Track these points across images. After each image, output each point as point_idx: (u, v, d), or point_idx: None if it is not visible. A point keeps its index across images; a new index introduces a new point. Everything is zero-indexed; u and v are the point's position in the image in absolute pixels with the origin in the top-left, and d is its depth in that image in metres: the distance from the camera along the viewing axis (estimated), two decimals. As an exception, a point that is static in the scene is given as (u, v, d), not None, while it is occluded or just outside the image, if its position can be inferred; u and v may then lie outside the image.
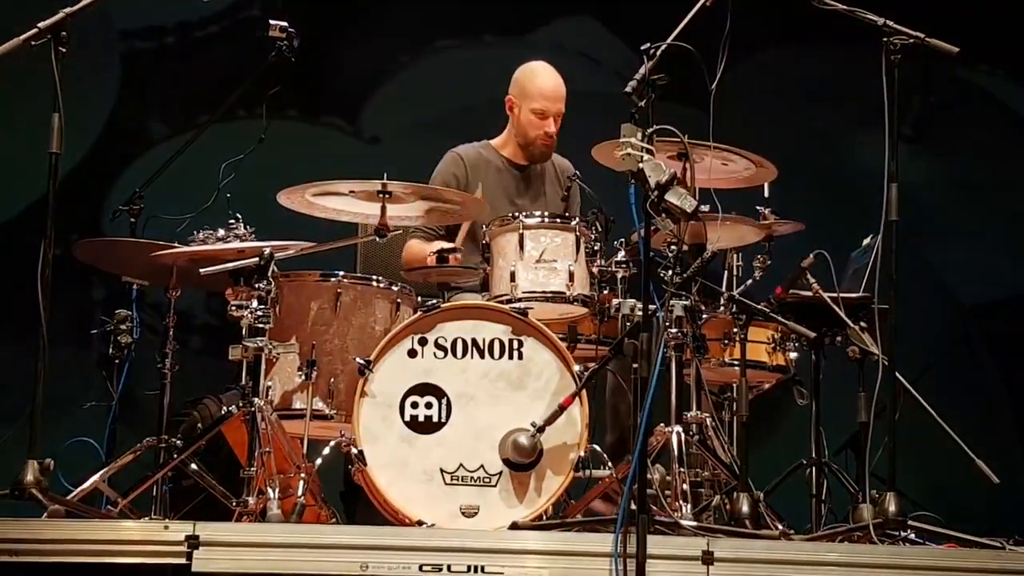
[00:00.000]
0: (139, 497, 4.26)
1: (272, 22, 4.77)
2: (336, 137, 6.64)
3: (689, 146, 4.06)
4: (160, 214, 4.90)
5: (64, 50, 3.84)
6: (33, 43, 3.82)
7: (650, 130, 3.76)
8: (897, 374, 4.12)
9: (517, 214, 4.42)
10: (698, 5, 4.05)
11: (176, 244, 4.46)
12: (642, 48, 3.86)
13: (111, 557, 3.59)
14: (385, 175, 4.21)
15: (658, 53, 3.82)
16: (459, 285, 4.66)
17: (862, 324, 4.50)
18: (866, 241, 4.68)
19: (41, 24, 3.83)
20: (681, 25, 3.94)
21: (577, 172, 4.86)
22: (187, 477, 4.36)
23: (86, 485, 4.24)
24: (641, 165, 3.68)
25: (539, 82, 5.01)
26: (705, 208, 3.94)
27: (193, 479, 4.31)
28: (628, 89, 3.78)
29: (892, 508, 3.89)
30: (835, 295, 4.54)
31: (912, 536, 3.96)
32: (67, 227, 4.38)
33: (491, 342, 4.18)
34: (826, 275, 4.65)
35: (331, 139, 6.61)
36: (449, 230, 4.92)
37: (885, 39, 4.06)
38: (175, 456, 4.31)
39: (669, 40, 3.88)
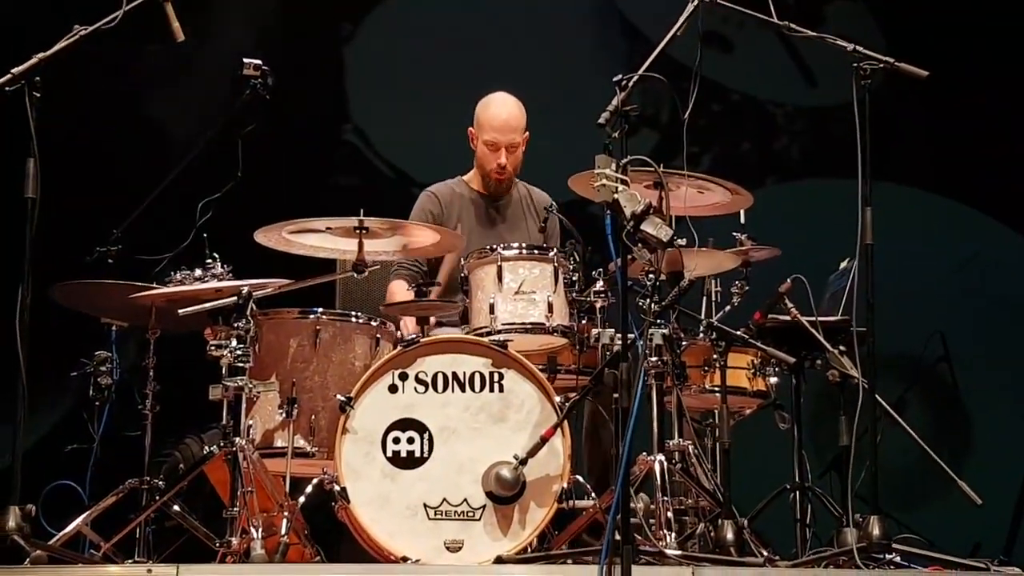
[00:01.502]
0: (122, 540, 4.24)
1: (246, 60, 4.78)
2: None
3: (664, 175, 4.08)
4: (137, 255, 4.89)
5: (38, 95, 3.84)
6: (7, 88, 3.82)
7: (624, 160, 3.78)
8: (877, 396, 4.15)
9: (495, 246, 4.43)
10: (669, 35, 4.09)
11: (154, 285, 4.45)
12: (615, 79, 3.88)
13: (95, 602, 3.57)
14: (362, 211, 4.21)
15: (630, 84, 3.85)
16: (440, 320, 4.66)
17: (841, 348, 4.52)
18: (843, 264, 4.70)
19: (15, 70, 3.84)
20: (652, 56, 3.97)
21: (554, 203, 4.87)
22: (170, 518, 4.34)
23: (69, 529, 4.22)
24: (616, 195, 3.70)
25: (490, 112, 5.01)
26: (682, 240, 3.96)
27: (176, 520, 4.29)
28: (601, 120, 3.80)
29: (876, 531, 3.90)
30: (813, 319, 4.57)
31: (897, 559, 3.96)
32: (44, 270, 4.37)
33: (471, 375, 4.18)
34: (804, 299, 4.68)
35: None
36: (431, 268, 4.93)
37: (855, 64, 4.10)
38: (157, 497, 4.29)
39: (641, 71, 3.91)
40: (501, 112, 5.00)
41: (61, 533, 4.19)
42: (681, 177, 4.27)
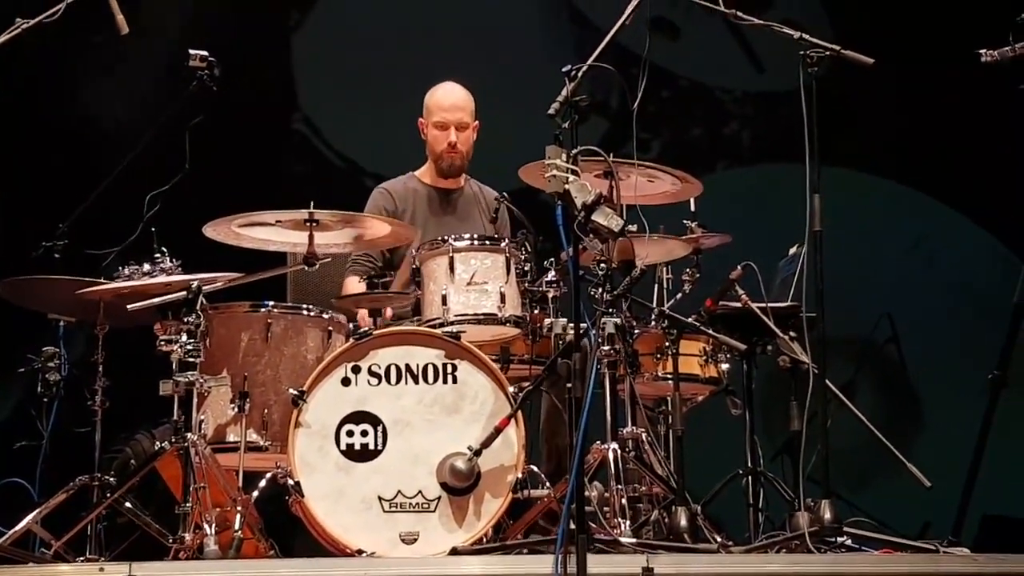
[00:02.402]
0: (73, 537, 4.21)
1: (192, 52, 4.74)
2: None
3: (614, 165, 4.08)
4: (85, 249, 4.84)
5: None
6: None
7: (575, 151, 3.78)
8: (827, 381, 4.19)
9: (447, 237, 4.42)
10: (618, 24, 4.09)
11: (102, 280, 4.41)
12: (564, 70, 3.89)
13: (46, 601, 3.54)
14: (312, 204, 4.19)
15: (579, 74, 3.85)
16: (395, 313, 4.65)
17: (791, 333, 4.56)
18: (792, 250, 4.74)
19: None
20: (601, 46, 3.98)
21: (504, 194, 4.87)
22: (122, 515, 4.31)
23: (19, 527, 4.19)
24: (567, 186, 3.70)
25: (437, 96, 5.07)
26: (633, 228, 3.97)
27: (128, 517, 4.27)
28: (551, 111, 3.80)
29: (828, 515, 3.95)
30: (764, 305, 4.60)
31: (848, 542, 4.00)
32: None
33: (425, 367, 4.17)
34: (755, 286, 4.71)
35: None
36: (386, 264, 4.92)
37: (801, 52, 4.12)
38: (109, 494, 4.26)
39: (590, 62, 3.91)
40: (449, 94, 5.06)
41: (11, 532, 4.16)
42: (631, 166, 4.28)
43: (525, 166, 4.31)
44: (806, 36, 4.15)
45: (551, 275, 4.35)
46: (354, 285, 4.88)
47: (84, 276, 4.48)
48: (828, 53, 4.12)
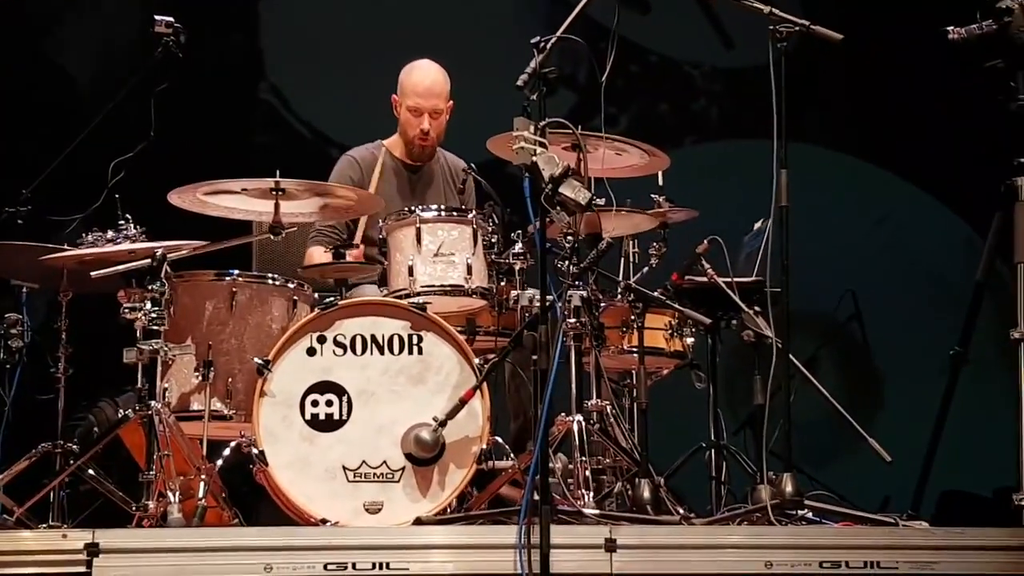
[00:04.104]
0: (36, 505, 4.19)
1: (157, 18, 4.69)
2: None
3: (582, 138, 4.08)
4: (48, 215, 4.80)
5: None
6: None
7: (543, 123, 3.78)
8: (791, 356, 4.21)
9: (413, 208, 4.41)
10: (586, -2, 4.08)
11: (65, 246, 4.37)
12: (532, 42, 3.88)
13: (8, 568, 3.54)
14: (278, 172, 4.17)
15: (548, 46, 3.84)
16: (358, 281, 4.64)
17: (756, 308, 4.59)
18: (757, 225, 4.76)
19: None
20: (570, 18, 3.97)
21: (472, 165, 4.86)
22: (85, 483, 4.30)
23: (-20, 495, 4.16)
24: (535, 158, 3.70)
25: (413, 79, 5.00)
26: (601, 201, 3.97)
27: (91, 484, 4.25)
28: (519, 83, 3.79)
29: (789, 488, 3.97)
30: (729, 280, 4.62)
31: (809, 515, 4.04)
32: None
33: (390, 338, 4.17)
34: (721, 260, 4.73)
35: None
36: (350, 234, 4.90)
37: (771, 27, 4.13)
38: (72, 462, 4.24)
39: (558, 33, 3.90)
40: (425, 78, 4.99)
41: (-28, 499, 4.13)
42: (599, 139, 4.28)
43: (493, 138, 4.30)
44: (776, 11, 4.15)
45: (518, 247, 4.35)
46: (319, 255, 4.86)
47: (47, 242, 4.45)
48: (797, 29, 4.13)
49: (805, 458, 4.60)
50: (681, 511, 4.11)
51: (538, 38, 3.88)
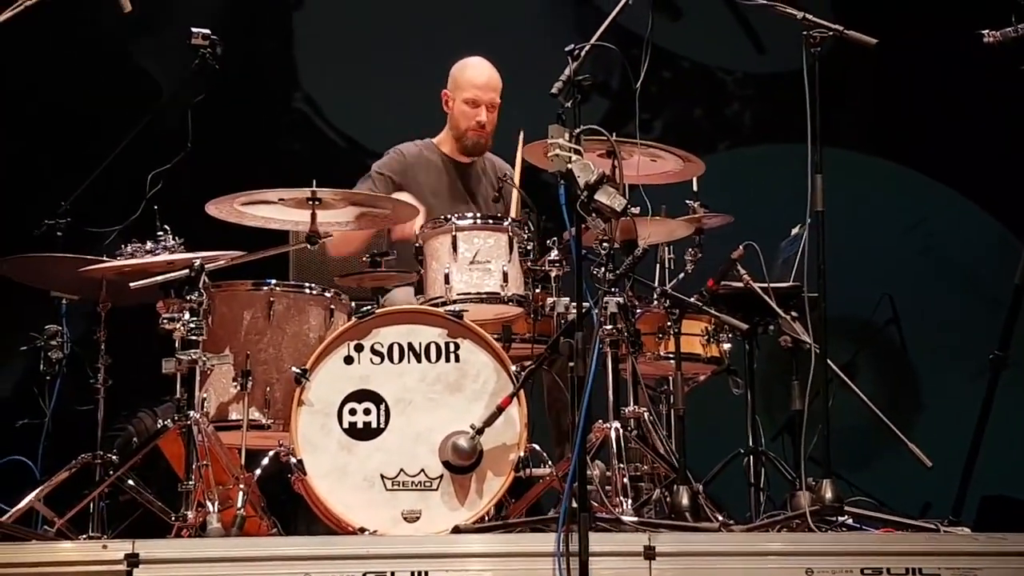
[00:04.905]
0: (76, 515, 4.22)
1: (194, 30, 4.73)
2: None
3: (617, 144, 4.08)
4: (87, 227, 4.84)
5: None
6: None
7: (577, 130, 3.78)
8: (829, 361, 4.19)
9: (449, 216, 4.42)
10: (620, 4, 4.08)
11: (104, 257, 4.41)
12: (566, 49, 3.88)
13: (49, 579, 3.55)
14: (314, 182, 4.19)
15: (582, 54, 3.85)
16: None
17: (793, 313, 4.57)
18: (795, 230, 4.74)
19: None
20: (604, 26, 3.97)
21: (509, 172, 4.87)
22: (124, 493, 4.32)
23: (21, 505, 4.19)
24: (570, 165, 3.71)
25: (470, 73, 5.04)
26: (636, 208, 3.97)
27: (130, 495, 4.27)
28: (554, 91, 3.80)
29: (829, 494, 3.95)
30: (765, 285, 4.61)
31: (849, 521, 4.01)
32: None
33: (427, 346, 4.18)
34: (756, 266, 4.71)
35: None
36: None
37: (805, 32, 4.11)
38: (111, 472, 4.27)
39: (592, 41, 3.91)
40: (483, 71, 5.04)
41: (13, 510, 4.16)
42: (634, 146, 4.28)
43: (528, 145, 4.30)
44: (809, 16, 4.14)
45: (554, 254, 4.35)
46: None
47: (86, 254, 4.48)
48: (831, 33, 4.11)
49: (844, 464, 4.57)
50: (720, 518, 4.10)
51: (572, 46, 3.89)
